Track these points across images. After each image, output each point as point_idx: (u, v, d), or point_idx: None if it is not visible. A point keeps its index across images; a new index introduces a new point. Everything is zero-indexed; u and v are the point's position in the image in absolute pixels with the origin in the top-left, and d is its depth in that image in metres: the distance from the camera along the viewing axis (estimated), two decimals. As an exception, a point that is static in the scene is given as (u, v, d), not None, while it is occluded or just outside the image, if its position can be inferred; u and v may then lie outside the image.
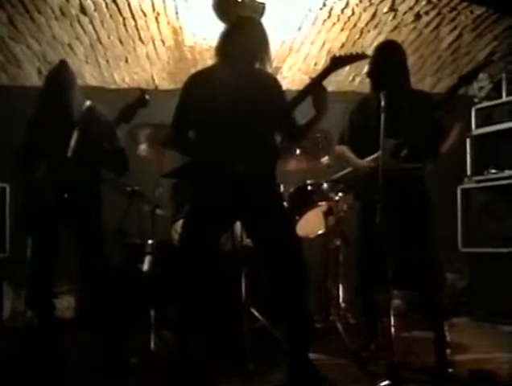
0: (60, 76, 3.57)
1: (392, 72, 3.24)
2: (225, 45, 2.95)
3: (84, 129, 3.49)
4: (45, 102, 3.56)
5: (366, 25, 4.89)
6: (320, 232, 4.32)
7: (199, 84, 2.94)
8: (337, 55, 2.91)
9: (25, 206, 3.46)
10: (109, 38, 4.94)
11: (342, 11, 4.69)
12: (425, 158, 3.25)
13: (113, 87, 5.75)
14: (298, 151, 4.19)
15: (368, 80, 3.45)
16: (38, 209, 3.37)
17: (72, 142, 3.43)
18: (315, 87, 2.87)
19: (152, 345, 3.47)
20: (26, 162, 3.57)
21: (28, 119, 3.63)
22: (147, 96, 3.22)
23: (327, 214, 4.16)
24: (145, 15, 4.64)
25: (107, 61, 5.33)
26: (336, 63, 2.88)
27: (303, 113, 2.99)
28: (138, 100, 3.24)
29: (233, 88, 2.81)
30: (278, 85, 3.06)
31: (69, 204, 3.36)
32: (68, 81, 3.57)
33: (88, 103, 3.61)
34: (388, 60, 3.28)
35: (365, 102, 3.49)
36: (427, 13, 4.72)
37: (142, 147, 4.05)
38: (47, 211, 3.35)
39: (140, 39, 4.99)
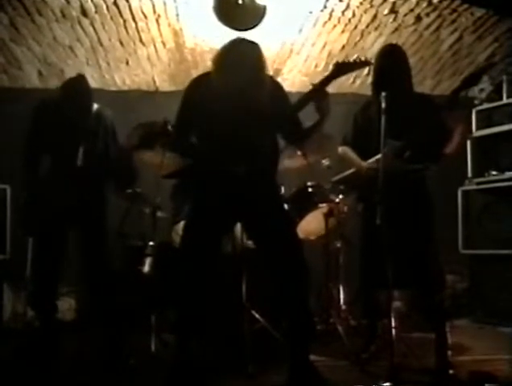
0: (79, 89, 3.58)
1: (395, 76, 3.25)
2: (222, 58, 2.94)
3: (93, 137, 3.51)
4: (58, 108, 3.55)
5: (367, 27, 4.90)
6: (320, 233, 4.33)
7: (201, 88, 2.94)
8: (341, 61, 2.93)
9: (29, 208, 3.45)
10: (109, 40, 4.95)
11: (343, 13, 4.69)
12: (428, 160, 3.27)
13: (113, 89, 5.76)
14: (298, 152, 4.19)
15: (369, 82, 3.46)
16: (43, 212, 3.38)
17: (81, 150, 3.44)
18: (318, 92, 2.89)
19: (153, 347, 3.48)
20: (28, 157, 3.57)
21: (35, 112, 3.62)
22: (170, 127, 3.21)
23: (327, 216, 4.17)
24: (146, 17, 4.65)
25: (108, 63, 5.34)
26: (340, 69, 2.91)
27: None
28: (161, 129, 3.23)
29: (235, 92, 2.81)
30: (280, 88, 3.07)
31: (74, 207, 3.37)
32: (89, 97, 3.59)
33: (95, 107, 3.62)
34: (390, 64, 3.30)
35: (369, 104, 3.51)
36: (427, 15, 4.73)
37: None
38: (52, 214, 3.36)
39: (141, 40, 4.99)
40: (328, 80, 2.89)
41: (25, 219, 3.48)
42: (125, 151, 3.43)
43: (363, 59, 2.95)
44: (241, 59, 2.87)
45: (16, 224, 3.68)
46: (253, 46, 2.95)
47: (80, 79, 3.65)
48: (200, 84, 2.99)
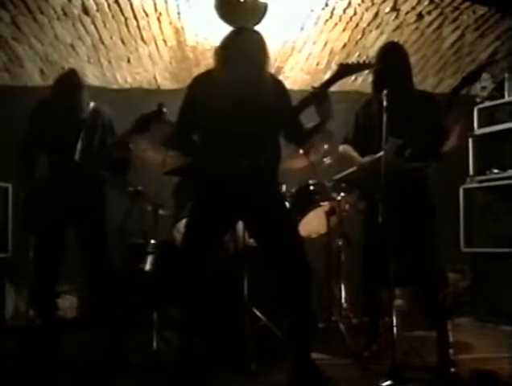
0: (70, 83, 3.57)
1: (394, 74, 3.25)
2: (225, 51, 2.93)
3: (90, 133, 3.51)
4: (53, 106, 3.56)
5: (368, 25, 4.89)
6: (322, 231, 4.33)
7: (203, 86, 2.94)
8: (344, 62, 2.94)
9: (28, 206, 3.46)
10: (111, 38, 4.95)
11: (344, 11, 4.69)
12: (429, 158, 3.27)
13: (115, 87, 5.76)
14: (300, 151, 4.19)
15: (370, 80, 3.46)
16: (41, 210, 3.38)
17: (79, 146, 3.45)
18: (321, 93, 2.89)
19: (154, 345, 3.48)
20: (25, 156, 3.57)
21: (32, 114, 3.63)
22: (165, 110, 3.20)
23: (329, 214, 4.17)
24: (147, 15, 4.64)
25: (109, 61, 5.34)
26: (344, 70, 2.91)
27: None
28: (154, 112, 3.23)
29: (237, 90, 2.81)
30: (283, 88, 3.07)
31: (73, 204, 3.37)
32: (77, 89, 3.57)
33: (92, 104, 3.62)
34: (389, 63, 3.30)
35: (370, 102, 3.51)
36: (429, 13, 4.72)
37: (144, 147, 4.05)
38: (51, 212, 3.36)
39: (142, 39, 4.99)
40: (331, 82, 2.90)
41: (25, 217, 3.48)
42: (119, 139, 3.43)
43: (367, 60, 2.96)
44: (243, 50, 2.85)
45: (18, 223, 3.68)
46: (255, 34, 2.93)
47: (71, 73, 3.64)
48: (202, 81, 2.98)
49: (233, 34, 2.95)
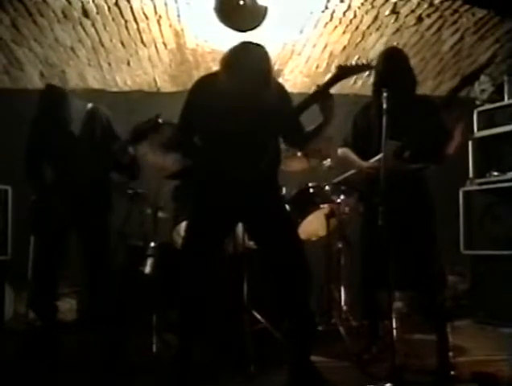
0: (50, 101, 3.57)
1: (396, 78, 3.25)
2: (231, 57, 2.92)
3: (89, 135, 3.52)
4: (44, 121, 3.57)
5: (368, 28, 4.90)
6: (321, 234, 4.33)
7: (205, 89, 2.94)
8: (343, 64, 2.94)
9: (37, 209, 3.46)
10: (111, 41, 4.96)
11: (344, 14, 4.69)
12: (430, 161, 3.28)
13: (115, 89, 5.77)
14: (299, 153, 4.19)
15: (370, 82, 3.47)
16: (49, 213, 3.39)
17: (81, 149, 3.45)
18: (320, 95, 2.89)
19: (154, 347, 3.48)
20: (29, 162, 3.58)
21: (32, 120, 3.63)
22: (161, 120, 3.21)
23: (329, 216, 4.17)
24: (147, 18, 4.65)
25: (109, 64, 5.34)
26: (343, 72, 2.91)
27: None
28: (151, 123, 3.24)
29: (239, 94, 2.80)
30: (283, 91, 3.07)
31: (79, 208, 3.38)
32: (58, 104, 3.55)
33: (89, 106, 3.62)
34: (392, 67, 3.30)
35: (369, 105, 3.51)
36: (428, 15, 4.73)
37: (144, 149, 4.04)
38: (57, 214, 3.36)
39: (142, 41, 5.00)
40: (330, 84, 2.90)
41: (35, 219, 3.48)
42: (123, 144, 3.44)
43: (365, 62, 2.96)
44: (249, 62, 2.84)
45: (17, 225, 3.68)
46: (261, 49, 2.93)
47: (48, 91, 3.64)
48: (205, 84, 2.97)
49: (239, 45, 2.95)
